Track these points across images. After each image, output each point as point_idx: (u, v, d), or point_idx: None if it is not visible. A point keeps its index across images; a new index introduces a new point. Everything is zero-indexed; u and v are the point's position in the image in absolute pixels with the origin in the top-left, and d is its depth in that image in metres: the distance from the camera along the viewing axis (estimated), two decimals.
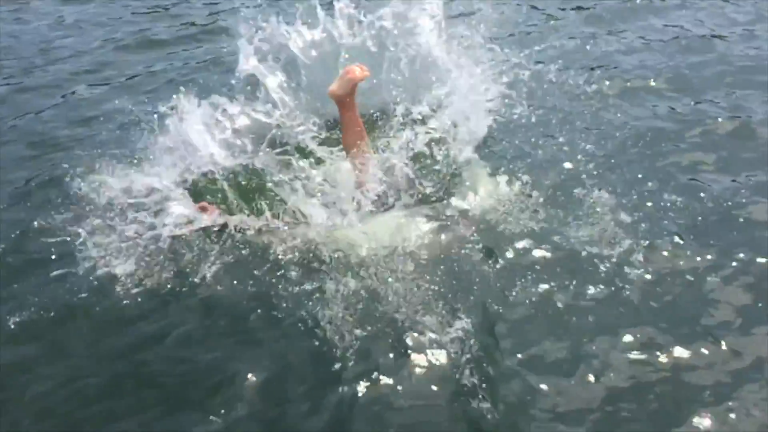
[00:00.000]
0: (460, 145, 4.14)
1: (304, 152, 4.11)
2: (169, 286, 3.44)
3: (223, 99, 3.98)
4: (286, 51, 4.40)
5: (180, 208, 3.67)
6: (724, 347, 2.95)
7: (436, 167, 4.01)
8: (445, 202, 3.85)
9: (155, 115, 3.80)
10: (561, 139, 4.48)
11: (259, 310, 3.27)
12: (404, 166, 3.85)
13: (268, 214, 3.76)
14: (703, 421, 2.64)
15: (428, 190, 3.90)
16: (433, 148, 4.07)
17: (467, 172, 4.05)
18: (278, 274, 3.46)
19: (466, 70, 4.32)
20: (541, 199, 3.86)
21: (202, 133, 3.75)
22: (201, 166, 3.87)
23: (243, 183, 3.97)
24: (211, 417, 2.78)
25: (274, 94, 4.11)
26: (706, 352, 2.94)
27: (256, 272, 3.49)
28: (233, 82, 4.54)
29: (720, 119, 4.70)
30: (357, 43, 4.39)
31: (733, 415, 2.67)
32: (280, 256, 3.55)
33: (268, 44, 4.30)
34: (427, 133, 4.17)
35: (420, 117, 4.42)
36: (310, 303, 3.25)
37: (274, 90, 4.13)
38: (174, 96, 3.77)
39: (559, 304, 3.19)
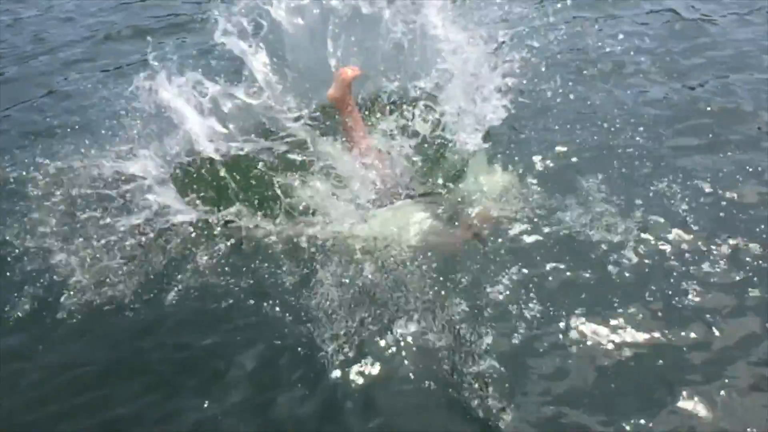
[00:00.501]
0: (464, 132, 4.04)
1: (300, 142, 3.94)
2: (162, 275, 3.45)
3: (199, 77, 3.79)
4: (269, 19, 4.03)
5: (166, 198, 3.66)
6: (714, 330, 2.98)
7: (439, 157, 3.99)
8: (445, 194, 3.84)
9: (145, 104, 3.75)
10: (554, 125, 4.48)
11: (252, 299, 3.29)
12: (406, 159, 3.81)
13: (259, 215, 3.72)
14: (693, 401, 2.68)
15: (430, 183, 3.88)
16: (436, 136, 4.01)
17: (468, 160, 4.02)
18: (272, 263, 3.47)
19: (471, 40, 4.01)
20: (536, 186, 3.87)
21: (189, 118, 3.66)
22: (188, 155, 3.82)
23: (235, 174, 3.88)
24: (205, 403, 2.81)
25: (257, 74, 3.82)
26: (695, 334, 2.97)
27: (249, 262, 3.50)
28: (215, 65, 4.45)
29: (712, 104, 4.70)
30: (347, 8, 4.02)
31: (723, 393, 2.71)
32: (274, 246, 3.56)
33: (248, 12, 3.94)
34: (429, 118, 4.04)
35: (420, 99, 4.22)
36: (305, 292, 3.26)
37: (257, 69, 3.81)
38: (147, 73, 3.69)
39: (553, 288, 3.22)
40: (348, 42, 3.94)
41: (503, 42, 4.44)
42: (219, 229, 3.67)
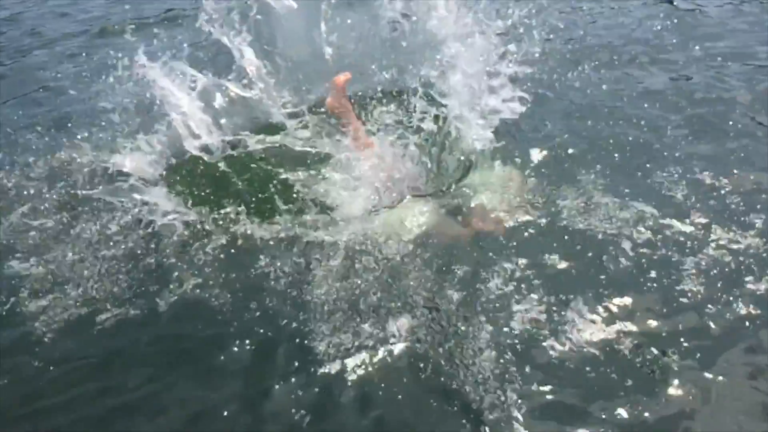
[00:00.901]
0: (470, 128, 3.89)
1: (300, 140, 3.83)
2: (157, 270, 3.44)
3: (190, 69, 3.68)
4: (258, 4, 3.81)
5: (159, 195, 3.63)
6: (710, 318, 2.99)
7: (444, 157, 3.94)
8: (447, 192, 3.80)
9: (135, 98, 3.72)
10: (551, 116, 4.48)
11: (249, 294, 3.26)
12: (410, 160, 3.75)
13: (255, 218, 3.64)
14: (689, 388, 2.68)
15: (433, 184, 3.81)
16: (441, 132, 3.92)
17: (474, 159, 3.97)
18: (270, 258, 3.45)
19: (476, 25, 3.78)
20: (534, 177, 3.87)
21: (181, 112, 3.57)
22: (179, 150, 3.75)
23: (232, 170, 3.80)
24: (201, 395, 2.80)
25: (246, 64, 3.62)
26: (692, 322, 2.97)
27: (246, 256, 3.47)
28: (209, 58, 4.39)
29: (707, 94, 4.72)
30: None
31: (719, 381, 2.71)
32: (272, 242, 3.54)
33: None
34: (432, 111, 3.94)
35: (423, 90, 4.06)
36: (302, 286, 3.25)
37: (246, 58, 3.62)
38: (138, 66, 3.63)
39: (551, 279, 3.22)
40: (344, 27, 3.83)
41: (503, 32, 4.33)
42: (217, 225, 3.65)
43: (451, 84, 3.89)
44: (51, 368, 2.99)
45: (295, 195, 3.71)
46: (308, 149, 3.80)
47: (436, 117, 3.92)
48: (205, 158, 3.73)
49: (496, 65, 3.98)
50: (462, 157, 3.93)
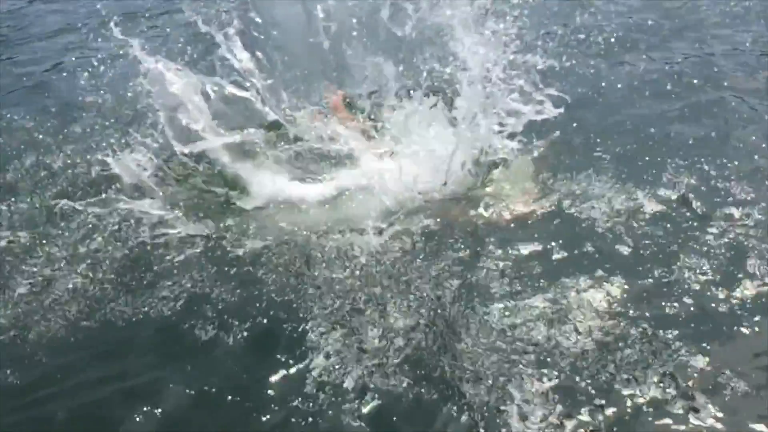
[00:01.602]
0: (483, 134, 3.76)
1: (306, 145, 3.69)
2: (155, 268, 3.44)
3: (182, 66, 3.59)
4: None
5: (154, 208, 3.61)
6: (708, 303, 3.01)
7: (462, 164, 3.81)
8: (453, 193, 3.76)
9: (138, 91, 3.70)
10: (547, 107, 4.43)
11: (245, 290, 3.27)
12: (420, 166, 3.69)
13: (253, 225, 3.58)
14: (689, 372, 2.71)
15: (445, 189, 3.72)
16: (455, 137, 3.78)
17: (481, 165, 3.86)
18: (267, 255, 3.46)
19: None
20: (537, 168, 3.88)
21: (176, 112, 3.50)
22: (172, 153, 3.69)
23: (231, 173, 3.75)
24: (195, 387, 2.82)
25: (238, 59, 3.49)
26: (692, 307, 3.00)
27: (242, 252, 3.48)
28: (206, 55, 4.35)
29: (704, 82, 4.74)
30: None
31: (722, 362, 2.74)
32: (269, 238, 3.55)
33: None
34: (446, 114, 3.85)
35: (432, 90, 3.96)
36: (300, 283, 3.26)
37: (240, 55, 3.49)
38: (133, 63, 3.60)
39: (550, 267, 3.25)
40: (343, 11, 3.69)
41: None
42: (216, 222, 3.66)
43: (462, 81, 3.74)
44: (50, 360, 3.00)
45: (294, 196, 3.71)
46: (308, 149, 3.78)
47: (452, 119, 3.84)
48: (199, 164, 3.73)
49: (514, 58, 3.86)
50: (473, 169, 3.81)
